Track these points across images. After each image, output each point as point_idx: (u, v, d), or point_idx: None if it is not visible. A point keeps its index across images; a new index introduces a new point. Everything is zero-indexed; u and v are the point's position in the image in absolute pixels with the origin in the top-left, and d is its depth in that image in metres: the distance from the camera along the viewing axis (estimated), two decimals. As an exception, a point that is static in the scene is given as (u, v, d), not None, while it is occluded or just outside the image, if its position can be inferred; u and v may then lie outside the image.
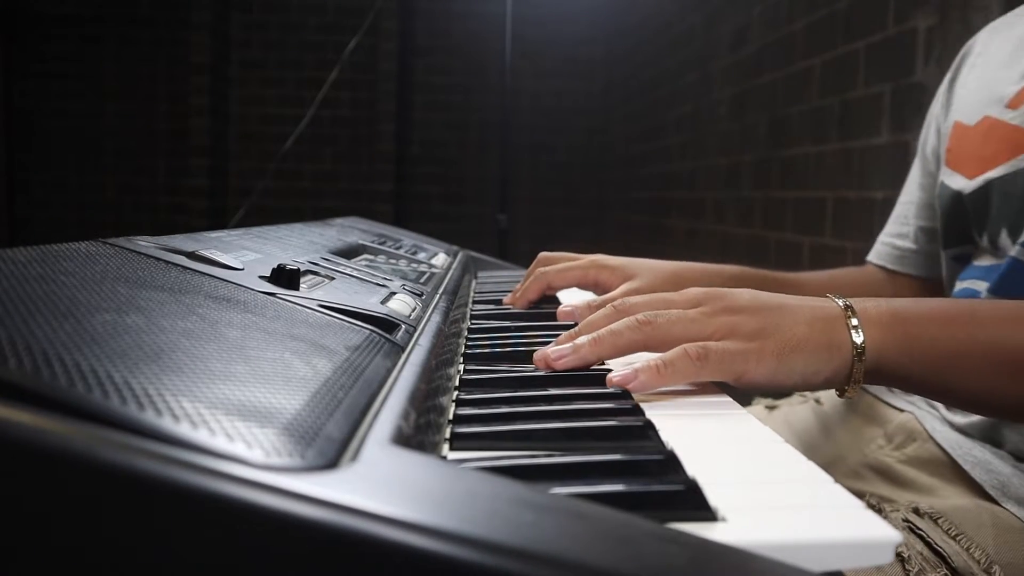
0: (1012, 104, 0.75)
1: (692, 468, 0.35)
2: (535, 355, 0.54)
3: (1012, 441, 0.68)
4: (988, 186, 0.75)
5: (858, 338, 0.50)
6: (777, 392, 0.86)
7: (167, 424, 0.25)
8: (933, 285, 0.89)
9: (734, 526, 0.30)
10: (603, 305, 0.59)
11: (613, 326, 0.52)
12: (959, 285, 0.79)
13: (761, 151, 2.73)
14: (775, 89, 2.62)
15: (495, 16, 2.76)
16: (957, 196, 0.79)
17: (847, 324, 0.50)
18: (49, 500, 0.22)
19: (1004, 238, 0.73)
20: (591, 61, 4.99)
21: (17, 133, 4.69)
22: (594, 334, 0.52)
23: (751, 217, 2.79)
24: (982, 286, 0.74)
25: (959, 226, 0.80)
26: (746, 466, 0.38)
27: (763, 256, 2.62)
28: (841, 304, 0.52)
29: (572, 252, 0.89)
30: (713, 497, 0.32)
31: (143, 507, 0.22)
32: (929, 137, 0.90)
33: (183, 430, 0.25)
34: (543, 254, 0.89)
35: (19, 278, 0.37)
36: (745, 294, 0.53)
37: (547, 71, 4.94)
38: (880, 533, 0.30)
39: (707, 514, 0.31)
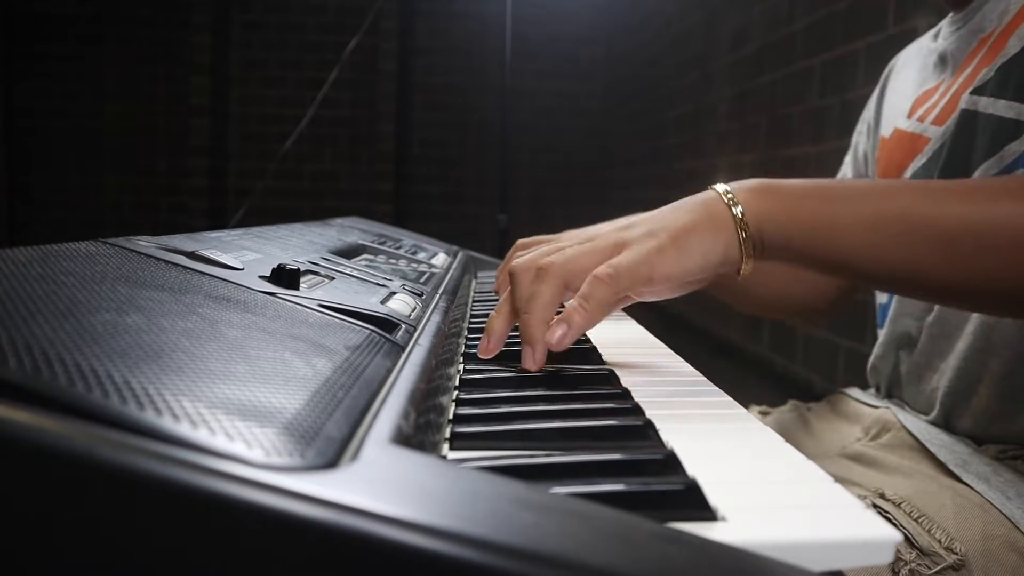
0: (909, 114, 0.85)
1: (692, 468, 0.35)
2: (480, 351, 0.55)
3: (966, 429, 0.74)
4: None
5: (737, 211, 0.55)
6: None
7: (167, 423, 0.25)
8: None
9: (734, 526, 0.30)
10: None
11: (529, 292, 0.54)
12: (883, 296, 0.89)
13: (761, 151, 2.73)
14: (775, 89, 2.62)
15: (495, 16, 2.76)
16: None
17: (724, 201, 0.56)
18: (48, 499, 0.22)
19: None
20: (591, 61, 4.99)
21: (17, 133, 4.70)
22: (526, 312, 0.54)
23: (751, 217, 2.79)
24: None
25: None
26: (746, 465, 0.38)
27: (763, 256, 2.62)
28: (720, 188, 0.57)
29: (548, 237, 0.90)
30: (713, 496, 0.32)
31: (143, 506, 0.22)
32: (861, 140, 0.99)
33: (183, 429, 0.25)
34: (520, 241, 0.90)
35: (19, 278, 0.37)
36: (628, 217, 0.58)
37: (547, 71, 4.94)
38: (880, 532, 0.30)
39: (707, 514, 0.31)
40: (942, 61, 0.84)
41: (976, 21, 0.79)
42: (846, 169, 1.01)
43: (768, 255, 0.57)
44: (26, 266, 0.40)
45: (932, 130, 0.80)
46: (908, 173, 0.82)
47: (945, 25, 0.86)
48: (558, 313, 0.54)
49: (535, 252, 0.58)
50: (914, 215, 0.56)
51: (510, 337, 0.66)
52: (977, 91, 0.73)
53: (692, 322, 3.48)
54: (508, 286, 0.80)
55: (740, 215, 0.55)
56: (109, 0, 4.70)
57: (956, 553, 0.61)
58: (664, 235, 0.54)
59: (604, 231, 0.57)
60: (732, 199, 0.55)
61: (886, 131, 0.91)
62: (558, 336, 0.52)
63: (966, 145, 0.73)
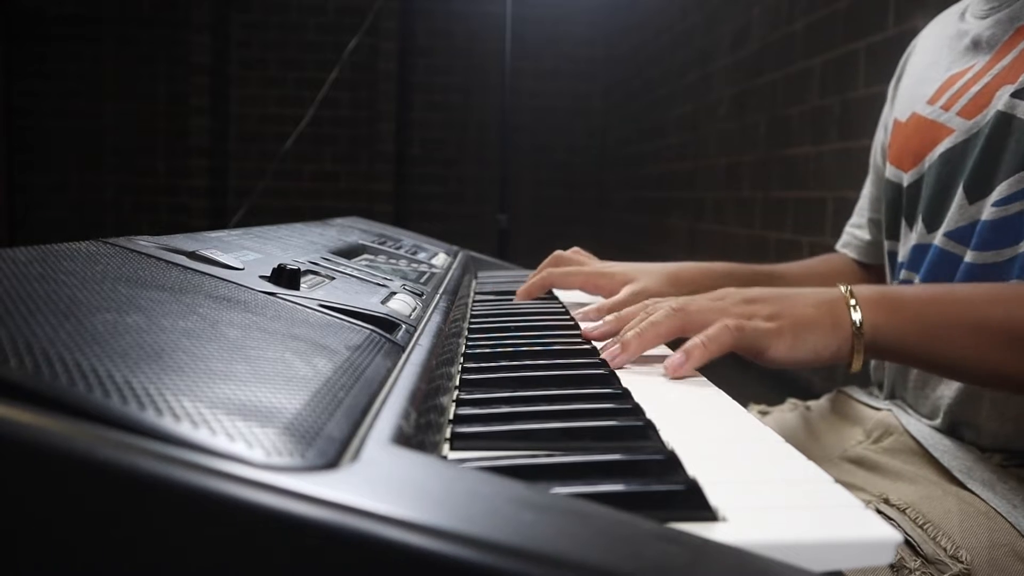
0: (931, 100, 0.82)
1: (692, 468, 0.35)
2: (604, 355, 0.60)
3: (970, 436, 0.73)
4: (921, 179, 0.81)
5: (856, 316, 0.59)
6: (784, 380, 0.89)
7: (167, 423, 0.25)
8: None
9: (734, 526, 0.30)
10: (612, 309, 0.72)
11: (652, 318, 0.59)
12: (895, 280, 0.87)
13: (761, 151, 2.73)
14: (775, 89, 2.62)
15: (495, 16, 2.76)
16: (898, 188, 0.86)
17: (847, 305, 0.59)
18: (49, 499, 0.22)
19: (920, 225, 0.80)
20: (591, 61, 4.99)
21: (17, 133, 4.69)
22: (637, 328, 0.59)
23: (751, 217, 2.79)
24: (914, 276, 0.81)
25: (895, 217, 0.87)
26: (746, 466, 0.38)
27: (763, 256, 2.62)
28: (843, 289, 0.60)
29: (573, 253, 0.93)
30: (713, 497, 0.32)
31: (143, 506, 0.22)
32: (879, 135, 0.97)
33: (183, 429, 0.25)
34: (557, 253, 0.95)
35: (19, 278, 0.37)
36: (755, 289, 0.61)
37: (547, 71, 4.94)
38: (880, 533, 0.30)
39: (707, 514, 0.31)
40: (975, 46, 0.79)
41: (1017, 7, 0.75)
42: (868, 180, 0.99)
43: (878, 356, 0.61)
44: (26, 266, 0.40)
45: (957, 121, 0.76)
46: (925, 164, 0.80)
47: (976, 3, 0.81)
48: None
49: (667, 300, 0.62)
50: (1018, 322, 0.59)
51: (511, 339, 0.66)
52: (1018, 94, 0.69)
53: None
54: (529, 292, 0.87)
55: (859, 323, 0.58)
56: (109, 0, 4.70)
57: (961, 561, 0.60)
58: (786, 323, 0.58)
59: (731, 295, 0.61)
60: (855, 306, 0.59)
61: (902, 115, 0.88)
62: (676, 363, 0.56)
63: (996, 150, 0.71)
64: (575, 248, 0.98)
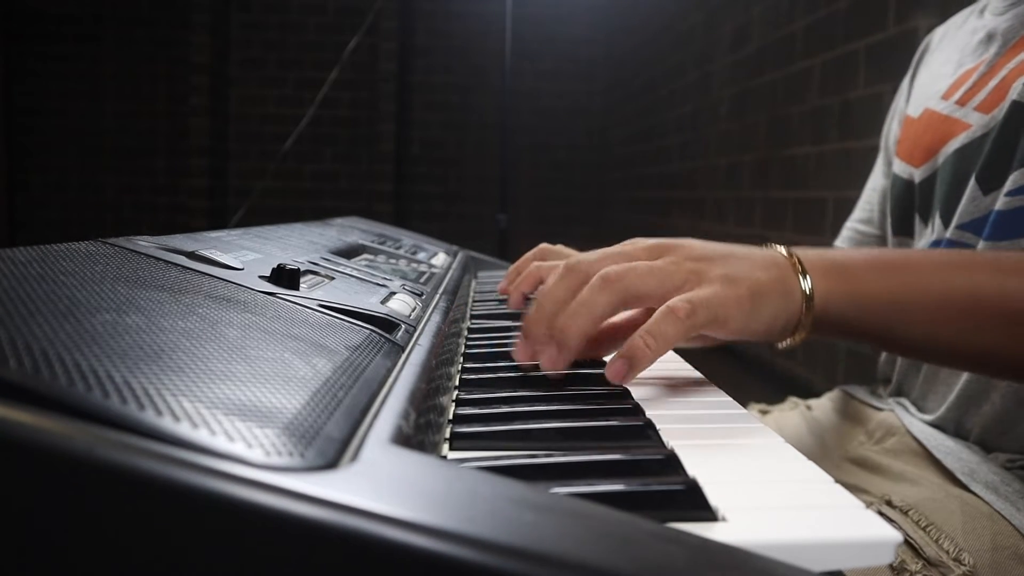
0: (945, 95, 0.80)
1: (692, 467, 0.35)
2: (515, 354, 0.51)
3: (976, 434, 0.71)
4: (934, 174, 0.79)
5: (806, 284, 0.51)
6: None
7: (167, 424, 0.25)
8: None
9: (734, 526, 0.30)
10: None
11: (581, 296, 0.49)
12: None
13: (761, 151, 2.73)
14: (775, 89, 2.62)
15: (495, 16, 2.77)
16: (908, 185, 0.84)
17: (795, 270, 0.51)
18: (48, 499, 0.22)
19: (937, 221, 0.78)
20: (591, 61, 4.99)
21: (17, 133, 4.70)
22: (566, 318, 0.48)
23: (751, 217, 2.79)
24: None
25: (907, 214, 0.85)
26: (746, 466, 0.38)
27: (763, 256, 2.62)
28: (784, 252, 0.52)
29: (573, 251, 0.88)
30: (713, 497, 0.32)
31: (143, 507, 0.22)
32: (892, 128, 0.95)
33: (183, 430, 0.25)
34: (543, 246, 0.85)
35: (19, 278, 0.37)
36: (695, 242, 0.53)
37: (547, 71, 4.95)
38: (881, 533, 0.30)
39: (707, 514, 0.31)
40: (989, 39, 0.77)
41: None
42: (877, 172, 0.97)
43: (824, 331, 0.53)
44: (26, 266, 0.40)
45: (975, 116, 0.74)
46: (939, 159, 0.78)
47: (997, 0, 0.80)
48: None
49: (596, 255, 0.52)
50: (983, 292, 0.53)
51: (511, 339, 0.66)
52: None
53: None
54: (519, 290, 0.76)
55: (808, 290, 0.51)
56: (109, 0, 4.70)
57: (964, 564, 0.59)
58: (744, 287, 0.49)
59: (673, 251, 0.52)
60: (803, 272, 0.51)
61: (915, 111, 0.86)
62: (618, 372, 0.47)
63: (1010, 140, 0.68)
64: (560, 246, 0.87)
